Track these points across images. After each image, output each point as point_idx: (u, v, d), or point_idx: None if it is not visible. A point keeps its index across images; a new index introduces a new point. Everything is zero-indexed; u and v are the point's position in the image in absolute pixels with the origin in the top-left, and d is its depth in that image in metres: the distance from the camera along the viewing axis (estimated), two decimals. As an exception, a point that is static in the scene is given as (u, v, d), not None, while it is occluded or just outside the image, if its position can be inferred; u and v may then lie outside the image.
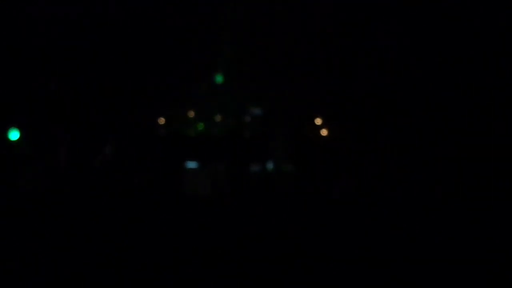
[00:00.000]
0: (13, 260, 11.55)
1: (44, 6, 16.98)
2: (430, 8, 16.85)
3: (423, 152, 17.00)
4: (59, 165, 17.09)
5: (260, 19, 17.65)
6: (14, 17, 16.78)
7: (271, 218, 15.59)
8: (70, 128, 17.22)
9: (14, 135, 16.28)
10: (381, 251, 13.28)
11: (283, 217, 15.62)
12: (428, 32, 17.02)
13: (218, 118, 18.19)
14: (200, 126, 18.18)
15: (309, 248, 13.96)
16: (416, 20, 17.02)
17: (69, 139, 17.15)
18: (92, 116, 17.39)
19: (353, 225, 14.87)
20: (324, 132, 17.96)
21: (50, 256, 12.23)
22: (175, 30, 17.63)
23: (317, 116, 17.96)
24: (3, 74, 16.82)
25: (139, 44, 17.59)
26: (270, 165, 17.71)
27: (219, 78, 17.76)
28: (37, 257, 12.01)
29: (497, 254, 11.67)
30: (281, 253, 13.63)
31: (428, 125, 17.14)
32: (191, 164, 17.57)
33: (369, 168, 17.31)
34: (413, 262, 11.95)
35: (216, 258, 13.24)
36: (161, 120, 18.07)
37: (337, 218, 15.44)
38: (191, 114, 18.17)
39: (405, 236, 14.07)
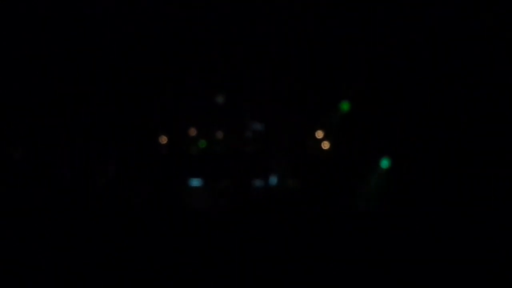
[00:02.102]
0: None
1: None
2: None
3: (428, 162, 16.95)
4: (62, 185, 17.11)
5: (258, 36, 17.67)
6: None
7: (275, 233, 15.55)
8: (71, 148, 17.25)
9: None
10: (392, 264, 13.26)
11: (288, 232, 15.58)
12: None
13: (219, 135, 18.18)
14: (202, 143, 18.17)
15: (314, 264, 13.94)
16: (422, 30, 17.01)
17: (69, 159, 17.17)
18: (94, 135, 17.42)
19: (361, 238, 14.84)
20: (325, 145, 17.92)
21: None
22: (175, 49, 17.66)
23: (318, 129, 17.93)
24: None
25: (140, 62, 17.62)
26: (273, 180, 17.67)
27: (220, 99, 17.82)
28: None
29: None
30: (286, 269, 13.62)
31: (432, 136, 17.10)
32: (194, 182, 17.56)
33: (373, 180, 17.26)
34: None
35: (219, 274, 13.24)
36: (163, 139, 18.06)
37: (346, 232, 15.41)
38: (193, 132, 18.16)
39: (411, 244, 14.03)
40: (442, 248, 13.31)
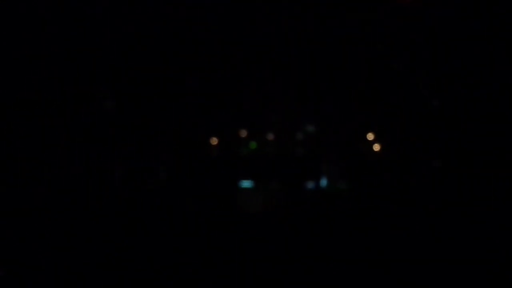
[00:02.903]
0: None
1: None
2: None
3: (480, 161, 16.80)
4: (115, 187, 17.25)
5: (311, 37, 17.65)
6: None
7: (325, 236, 15.54)
8: (124, 151, 17.36)
9: None
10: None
11: (338, 235, 15.57)
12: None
13: (270, 136, 18.19)
14: (253, 145, 18.19)
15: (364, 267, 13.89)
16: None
17: (123, 161, 17.28)
18: (144, 137, 17.52)
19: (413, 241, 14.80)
20: (376, 147, 17.85)
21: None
22: (228, 51, 17.71)
23: (369, 131, 17.86)
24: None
25: (191, 64, 17.69)
26: (324, 183, 17.64)
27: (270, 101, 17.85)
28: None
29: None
30: (335, 272, 13.60)
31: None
32: (245, 183, 17.58)
33: (424, 181, 17.16)
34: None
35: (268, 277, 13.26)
36: (214, 141, 18.12)
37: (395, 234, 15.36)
38: (243, 133, 18.19)
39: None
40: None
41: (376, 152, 17.84)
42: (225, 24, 17.41)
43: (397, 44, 17.14)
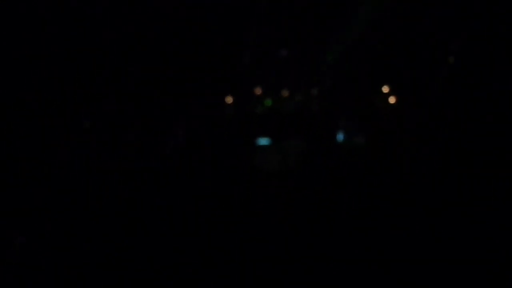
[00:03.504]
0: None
1: None
2: None
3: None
4: (132, 149, 17.28)
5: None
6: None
7: (345, 193, 15.59)
8: (141, 113, 17.37)
9: None
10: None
11: (357, 192, 15.61)
12: None
13: (285, 93, 18.15)
14: (268, 102, 18.16)
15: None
16: None
17: (140, 124, 17.31)
18: (161, 100, 17.51)
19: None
20: (392, 100, 17.78)
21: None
22: (242, 5, 17.61)
23: (384, 84, 17.78)
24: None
25: (204, 22, 17.60)
26: (340, 138, 17.63)
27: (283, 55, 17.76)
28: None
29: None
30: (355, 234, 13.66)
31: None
32: (262, 141, 17.60)
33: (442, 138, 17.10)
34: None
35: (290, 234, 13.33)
36: (229, 99, 18.10)
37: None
38: (258, 91, 18.15)
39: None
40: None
41: (391, 104, 17.78)
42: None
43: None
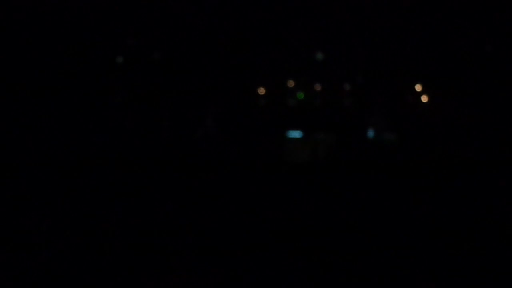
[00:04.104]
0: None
1: None
2: None
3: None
4: (161, 137, 17.41)
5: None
6: None
7: (373, 187, 15.56)
8: (173, 101, 17.48)
9: None
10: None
11: (384, 186, 15.57)
12: None
13: (317, 87, 18.17)
14: (300, 95, 18.19)
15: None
16: None
17: (172, 112, 17.42)
18: (194, 88, 17.60)
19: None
20: (424, 98, 17.78)
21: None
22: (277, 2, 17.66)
23: (417, 83, 17.78)
24: None
25: (239, 16, 17.68)
26: (371, 134, 17.64)
27: (319, 56, 17.80)
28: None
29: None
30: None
31: None
32: (293, 133, 17.63)
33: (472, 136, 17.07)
34: None
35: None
36: (261, 90, 18.15)
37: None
38: (291, 83, 18.19)
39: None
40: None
41: (424, 103, 17.78)
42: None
43: None
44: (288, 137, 17.57)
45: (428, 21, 17.62)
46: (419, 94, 17.81)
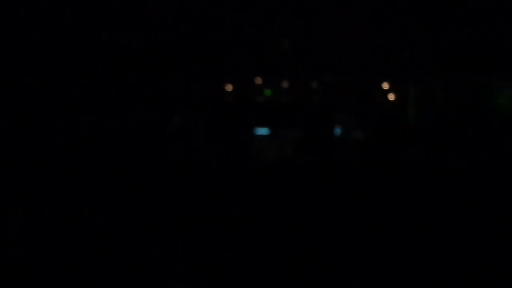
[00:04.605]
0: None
1: None
2: None
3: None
4: (128, 134, 17.26)
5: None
6: None
7: (340, 185, 15.58)
8: (139, 97, 17.34)
9: None
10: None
11: (351, 185, 15.60)
12: None
13: (285, 84, 18.12)
14: (268, 92, 18.13)
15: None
16: None
17: (139, 108, 17.28)
18: (160, 85, 17.48)
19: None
20: (391, 96, 17.81)
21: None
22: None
23: (384, 81, 17.81)
24: None
25: (205, 12, 17.58)
26: (338, 131, 17.64)
27: (285, 48, 17.73)
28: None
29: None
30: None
31: None
32: (260, 131, 17.57)
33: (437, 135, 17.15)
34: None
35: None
36: (229, 87, 18.07)
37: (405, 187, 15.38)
38: (258, 80, 18.13)
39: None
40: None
41: (391, 101, 17.82)
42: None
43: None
44: (255, 134, 17.51)
45: (396, 18, 17.65)
46: (387, 92, 17.85)
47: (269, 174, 16.30)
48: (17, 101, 16.78)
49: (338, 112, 17.76)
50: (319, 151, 17.18)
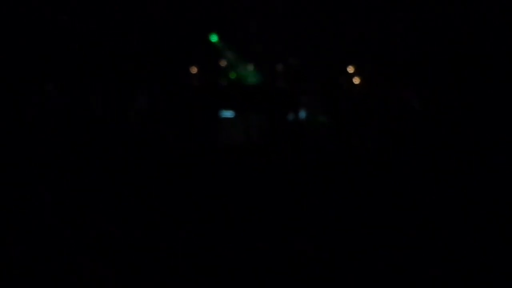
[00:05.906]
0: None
1: None
2: None
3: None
4: (92, 117, 17.10)
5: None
6: None
7: (306, 170, 15.57)
8: (103, 80, 17.17)
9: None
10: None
11: (317, 170, 15.59)
12: None
13: (250, 67, 18.08)
14: (233, 75, 18.08)
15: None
16: None
17: (102, 91, 17.11)
18: (124, 67, 17.33)
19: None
20: (356, 80, 17.84)
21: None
22: None
23: (350, 64, 17.82)
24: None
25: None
26: (303, 115, 17.65)
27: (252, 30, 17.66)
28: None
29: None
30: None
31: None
32: (225, 114, 17.53)
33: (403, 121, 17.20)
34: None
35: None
36: (193, 70, 17.97)
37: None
38: (223, 63, 18.05)
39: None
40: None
41: (356, 85, 17.85)
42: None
43: None
44: (220, 117, 17.48)
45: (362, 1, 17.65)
46: (352, 75, 17.87)
47: (234, 157, 16.25)
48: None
49: (303, 96, 17.78)
50: (284, 134, 17.19)
